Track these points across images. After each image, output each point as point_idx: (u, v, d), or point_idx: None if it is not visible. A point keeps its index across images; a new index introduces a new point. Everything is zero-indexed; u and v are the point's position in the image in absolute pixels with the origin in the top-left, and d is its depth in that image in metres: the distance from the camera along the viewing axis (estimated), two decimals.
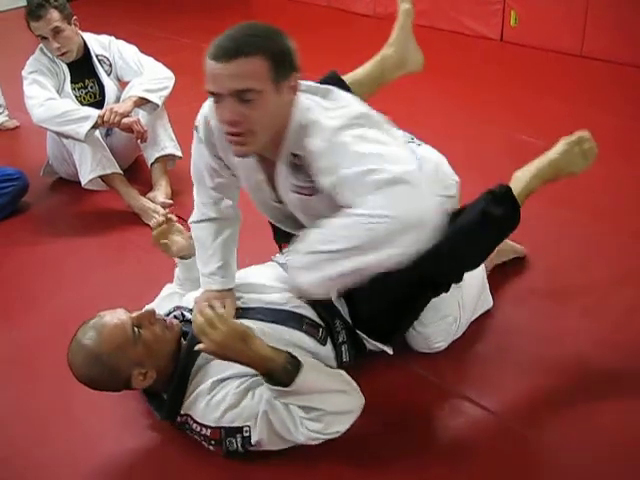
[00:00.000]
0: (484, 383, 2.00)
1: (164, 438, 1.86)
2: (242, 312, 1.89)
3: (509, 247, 2.44)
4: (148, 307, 2.02)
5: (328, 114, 1.60)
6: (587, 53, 4.58)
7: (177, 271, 2.19)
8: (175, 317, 1.91)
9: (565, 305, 2.30)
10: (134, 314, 1.76)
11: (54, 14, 2.92)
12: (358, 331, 1.97)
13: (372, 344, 2.00)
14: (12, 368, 2.17)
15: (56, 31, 2.94)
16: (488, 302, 2.25)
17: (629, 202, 2.91)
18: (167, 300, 2.10)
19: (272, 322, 1.86)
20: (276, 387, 1.66)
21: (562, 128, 3.59)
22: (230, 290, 1.95)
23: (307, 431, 1.69)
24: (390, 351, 2.01)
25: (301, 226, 1.81)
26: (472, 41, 5.05)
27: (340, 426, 1.71)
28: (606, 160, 3.23)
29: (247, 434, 1.71)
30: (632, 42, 4.36)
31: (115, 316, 1.73)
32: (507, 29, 4.98)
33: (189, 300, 1.99)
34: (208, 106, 1.73)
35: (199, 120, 1.78)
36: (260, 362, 1.65)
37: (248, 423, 1.70)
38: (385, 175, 1.46)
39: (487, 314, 2.24)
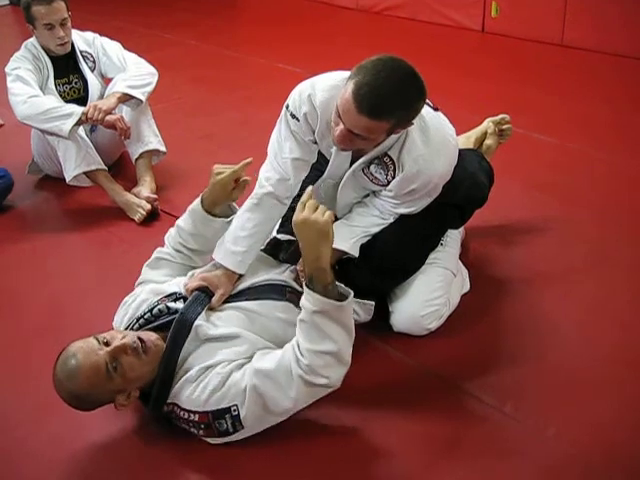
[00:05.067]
0: (466, 367, 2.04)
1: (150, 425, 1.88)
2: (229, 297, 1.97)
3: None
4: (126, 300, 2.04)
5: (425, 136, 1.93)
6: (567, 42, 4.64)
7: (182, 225, 2.14)
8: (160, 311, 1.91)
9: (544, 289, 2.35)
10: (108, 343, 1.73)
11: (62, 4, 2.99)
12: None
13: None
14: (1, 362, 2.19)
15: (63, 22, 3.00)
16: (466, 286, 2.33)
17: (605, 187, 2.95)
18: (154, 266, 2.13)
19: (255, 299, 1.94)
20: (326, 299, 1.70)
21: (542, 115, 3.66)
22: (235, 275, 2.01)
23: (301, 372, 1.70)
24: (372, 302, 2.10)
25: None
26: (454, 32, 5.09)
27: (334, 372, 1.74)
28: (587, 145, 3.30)
29: (235, 412, 1.74)
30: (610, 31, 4.42)
31: (88, 356, 1.70)
32: (488, 20, 5.03)
33: (179, 284, 2.01)
34: (312, 86, 1.96)
35: (295, 100, 1.98)
36: (315, 261, 1.73)
37: (235, 402, 1.74)
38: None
39: (465, 298, 2.28)
